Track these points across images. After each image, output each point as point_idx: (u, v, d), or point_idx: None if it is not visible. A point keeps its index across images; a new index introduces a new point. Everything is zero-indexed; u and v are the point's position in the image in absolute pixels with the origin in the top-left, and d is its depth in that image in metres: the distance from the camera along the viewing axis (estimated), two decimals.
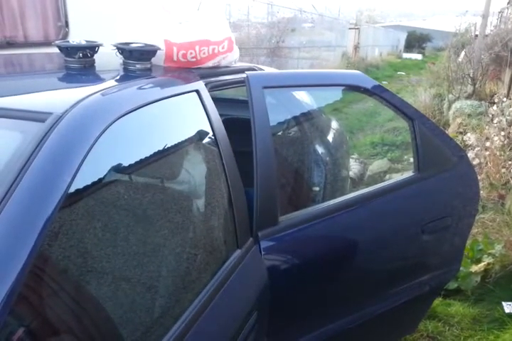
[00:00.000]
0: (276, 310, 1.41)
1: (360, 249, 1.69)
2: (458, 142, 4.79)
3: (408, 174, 1.86)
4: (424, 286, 1.92)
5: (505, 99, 6.02)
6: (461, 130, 5.42)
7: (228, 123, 1.80)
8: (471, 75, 8.26)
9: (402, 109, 1.77)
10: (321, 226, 1.55)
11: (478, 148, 3.99)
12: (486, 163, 3.78)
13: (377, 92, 1.74)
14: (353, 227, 1.66)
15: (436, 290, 2.07)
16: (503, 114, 5.67)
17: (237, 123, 1.84)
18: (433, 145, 1.81)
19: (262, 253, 1.40)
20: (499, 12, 10.93)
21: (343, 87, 1.89)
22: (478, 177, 3.80)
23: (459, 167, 1.91)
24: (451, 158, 1.88)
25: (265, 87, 1.46)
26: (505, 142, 4.69)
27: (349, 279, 1.68)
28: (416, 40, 29.39)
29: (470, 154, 4.10)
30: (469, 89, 8.19)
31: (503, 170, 3.42)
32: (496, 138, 3.64)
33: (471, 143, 4.22)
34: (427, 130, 1.79)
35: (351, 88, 1.81)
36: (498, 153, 3.64)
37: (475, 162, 3.93)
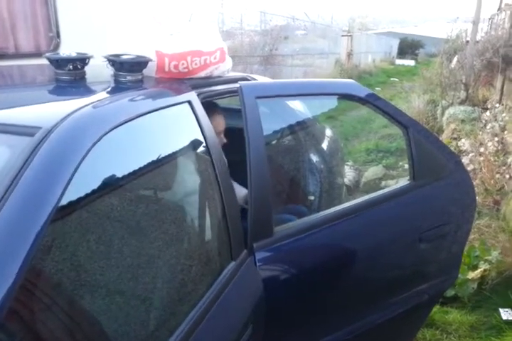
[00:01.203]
0: (272, 321, 1.40)
1: (357, 258, 1.67)
2: (452, 148, 4.82)
3: (404, 182, 1.85)
4: (423, 295, 1.90)
5: (497, 105, 6.06)
6: (455, 136, 5.45)
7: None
8: (463, 81, 8.33)
9: (396, 117, 1.76)
10: (317, 236, 1.54)
11: (473, 154, 4.01)
12: (481, 169, 3.79)
13: (370, 101, 1.73)
14: (350, 237, 1.64)
15: (434, 298, 2.05)
16: (496, 120, 5.71)
17: (230, 133, 1.84)
18: (428, 153, 1.80)
19: (258, 264, 1.38)
20: (489, 18, 11.06)
21: (336, 96, 1.88)
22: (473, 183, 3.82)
23: (455, 174, 1.90)
24: (446, 165, 1.87)
25: (258, 97, 1.45)
26: (499, 147, 4.71)
27: (346, 289, 1.66)
28: (408, 47, 29.65)
29: (464, 160, 4.11)
30: (462, 94, 8.25)
31: (498, 175, 3.43)
32: (489, 143, 3.65)
33: (465, 148, 4.23)
34: (422, 138, 1.78)
35: (345, 97, 1.80)
36: (492, 159, 3.65)
37: (469, 168, 3.94)
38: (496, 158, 3.56)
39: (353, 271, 1.69)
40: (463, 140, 4.36)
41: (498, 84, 7.59)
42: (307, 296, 1.53)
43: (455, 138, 4.57)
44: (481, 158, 3.84)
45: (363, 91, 1.73)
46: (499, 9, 10.02)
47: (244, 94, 1.42)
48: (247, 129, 1.39)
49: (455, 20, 11.69)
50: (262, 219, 1.41)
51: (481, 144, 3.88)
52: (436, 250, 1.85)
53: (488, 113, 6.05)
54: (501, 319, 2.52)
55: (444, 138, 5.66)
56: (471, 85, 8.30)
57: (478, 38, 9.70)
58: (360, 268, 1.69)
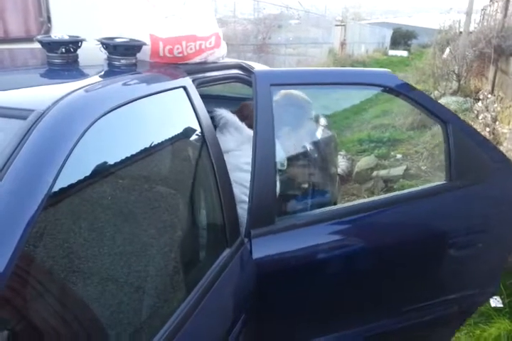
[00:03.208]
0: (266, 310, 1.39)
1: (372, 257, 1.54)
2: None
3: (438, 182, 1.72)
4: (452, 306, 1.75)
5: (489, 96, 6.09)
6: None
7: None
8: (456, 72, 8.35)
9: (433, 111, 1.62)
10: (328, 229, 1.48)
11: None
12: None
13: (405, 92, 1.61)
14: (365, 233, 1.54)
15: (467, 311, 1.87)
16: (487, 110, 5.75)
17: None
18: (469, 152, 1.64)
19: (254, 251, 1.36)
20: (482, 10, 11.06)
21: (365, 87, 1.72)
22: None
23: (500, 176, 1.70)
24: (490, 166, 1.68)
25: (273, 85, 1.40)
26: (491, 138, 4.74)
27: (356, 287, 1.55)
28: (402, 37, 29.61)
29: None
30: (454, 85, 8.28)
31: None
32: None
33: None
34: (463, 134, 1.62)
35: (375, 87, 1.68)
36: None
37: None
38: None
39: (366, 269, 1.56)
40: None
41: (490, 74, 7.61)
42: (306, 290, 1.47)
43: None
44: None
45: (397, 81, 1.60)
46: (492, 0, 10.01)
47: (257, 80, 1.38)
48: (256, 117, 1.36)
49: (448, 11, 11.69)
50: (263, 205, 1.37)
51: None
52: (469, 259, 1.68)
53: (480, 103, 6.08)
54: (490, 306, 2.56)
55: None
56: (463, 76, 8.33)
57: (471, 28, 9.71)
58: (375, 267, 1.56)
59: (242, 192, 1.50)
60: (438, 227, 1.64)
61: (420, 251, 1.59)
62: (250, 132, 1.74)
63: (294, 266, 1.44)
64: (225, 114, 1.78)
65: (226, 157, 1.68)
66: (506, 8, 7.98)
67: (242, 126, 1.76)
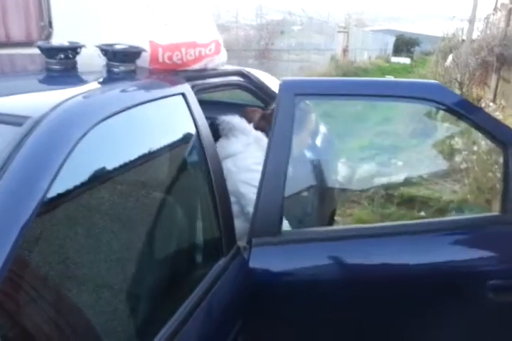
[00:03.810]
0: (263, 319, 1.37)
1: (383, 287, 1.37)
2: (445, 146, 4.83)
3: (490, 213, 1.59)
4: None
5: (491, 104, 6.09)
6: (448, 134, 5.47)
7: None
8: (458, 80, 8.36)
9: (492, 131, 1.44)
10: (341, 248, 1.38)
11: (466, 153, 4.02)
12: (474, 168, 3.80)
13: (459, 109, 1.43)
14: (379, 260, 1.38)
15: None
16: None
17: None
18: None
19: (253, 260, 1.33)
20: (485, 18, 11.10)
21: (411, 100, 1.51)
22: (466, 182, 3.83)
23: None
24: None
25: (298, 94, 1.35)
26: (492, 146, 4.72)
27: (357, 322, 1.40)
28: (404, 44, 29.71)
29: (457, 158, 4.12)
30: (457, 93, 8.28)
31: (490, 174, 3.44)
32: (482, 142, 3.67)
33: (458, 147, 4.25)
34: None
35: (423, 102, 1.48)
36: (485, 157, 3.66)
37: (462, 166, 3.95)
38: (488, 156, 3.57)
39: (371, 300, 1.38)
40: (456, 138, 4.38)
41: (492, 83, 7.63)
42: (301, 308, 1.37)
43: (449, 137, 4.59)
44: (474, 157, 3.85)
45: (449, 96, 1.45)
46: (495, 9, 10.05)
47: (282, 89, 1.34)
48: (274, 126, 1.33)
49: (452, 18, 11.72)
50: (268, 214, 1.33)
51: (474, 143, 3.89)
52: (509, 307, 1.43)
53: None
54: None
55: (437, 136, 5.68)
56: (466, 84, 8.33)
57: (474, 37, 9.74)
58: (386, 303, 1.39)
59: (253, 193, 1.45)
60: (475, 264, 1.43)
61: (449, 291, 1.39)
62: (257, 133, 1.74)
63: (289, 283, 1.38)
64: (229, 119, 1.78)
65: (233, 160, 1.67)
66: (509, 17, 8.01)
67: (249, 128, 1.76)
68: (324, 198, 2.06)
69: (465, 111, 1.43)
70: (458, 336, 1.44)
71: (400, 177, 4.56)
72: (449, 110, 1.44)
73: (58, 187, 0.82)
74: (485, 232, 1.46)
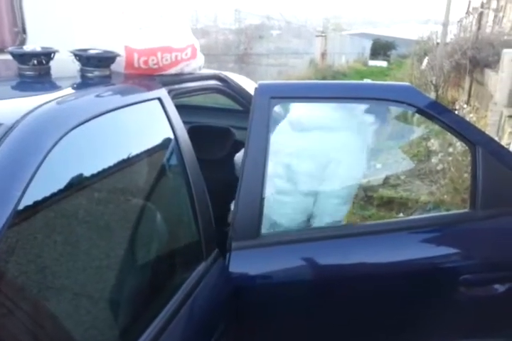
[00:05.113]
0: (245, 321, 1.37)
1: (360, 286, 1.39)
2: (422, 148, 4.91)
3: (460, 210, 1.59)
4: None
5: (465, 106, 6.22)
6: (425, 136, 5.56)
7: (193, 131, 1.77)
8: (433, 82, 8.52)
9: (461, 131, 1.46)
10: (320, 248, 1.39)
11: (442, 154, 4.09)
12: (450, 169, 3.87)
13: (430, 111, 1.45)
14: (360, 258, 1.40)
15: None
16: None
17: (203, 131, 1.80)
18: (501, 178, 1.44)
19: (231, 264, 1.34)
20: (458, 21, 11.36)
21: (383, 102, 1.56)
22: (442, 183, 3.89)
23: None
24: None
25: (274, 97, 1.37)
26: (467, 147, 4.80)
27: (334, 317, 1.42)
28: (381, 48, 30.15)
29: (434, 160, 4.19)
30: (432, 95, 8.43)
31: (466, 174, 3.51)
32: (458, 143, 3.74)
33: (434, 148, 4.32)
34: (495, 158, 1.43)
35: (395, 104, 1.52)
36: (460, 158, 3.73)
37: (439, 167, 4.02)
38: (463, 157, 3.65)
39: (350, 300, 1.41)
40: (432, 140, 4.46)
41: (466, 85, 7.79)
42: (287, 307, 1.38)
43: (425, 139, 4.67)
44: (450, 158, 3.92)
45: (420, 98, 1.47)
46: (467, 12, 10.29)
47: (257, 92, 1.36)
48: (250, 128, 1.35)
49: (426, 22, 11.95)
50: (247, 218, 1.34)
51: (449, 144, 3.97)
52: (484, 300, 1.44)
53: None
54: None
55: (414, 138, 5.76)
56: (441, 86, 8.50)
57: (448, 40, 9.94)
58: (361, 299, 1.41)
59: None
60: (447, 259, 1.46)
61: (419, 283, 1.42)
62: None
63: (268, 285, 1.38)
64: None
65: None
66: (480, 21, 8.22)
67: None
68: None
69: (435, 112, 1.46)
70: (434, 330, 1.48)
71: (379, 179, 4.62)
72: (420, 112, 1.47)
73: (32, 195, 0.81)
74: (456, 229, 1.49)
